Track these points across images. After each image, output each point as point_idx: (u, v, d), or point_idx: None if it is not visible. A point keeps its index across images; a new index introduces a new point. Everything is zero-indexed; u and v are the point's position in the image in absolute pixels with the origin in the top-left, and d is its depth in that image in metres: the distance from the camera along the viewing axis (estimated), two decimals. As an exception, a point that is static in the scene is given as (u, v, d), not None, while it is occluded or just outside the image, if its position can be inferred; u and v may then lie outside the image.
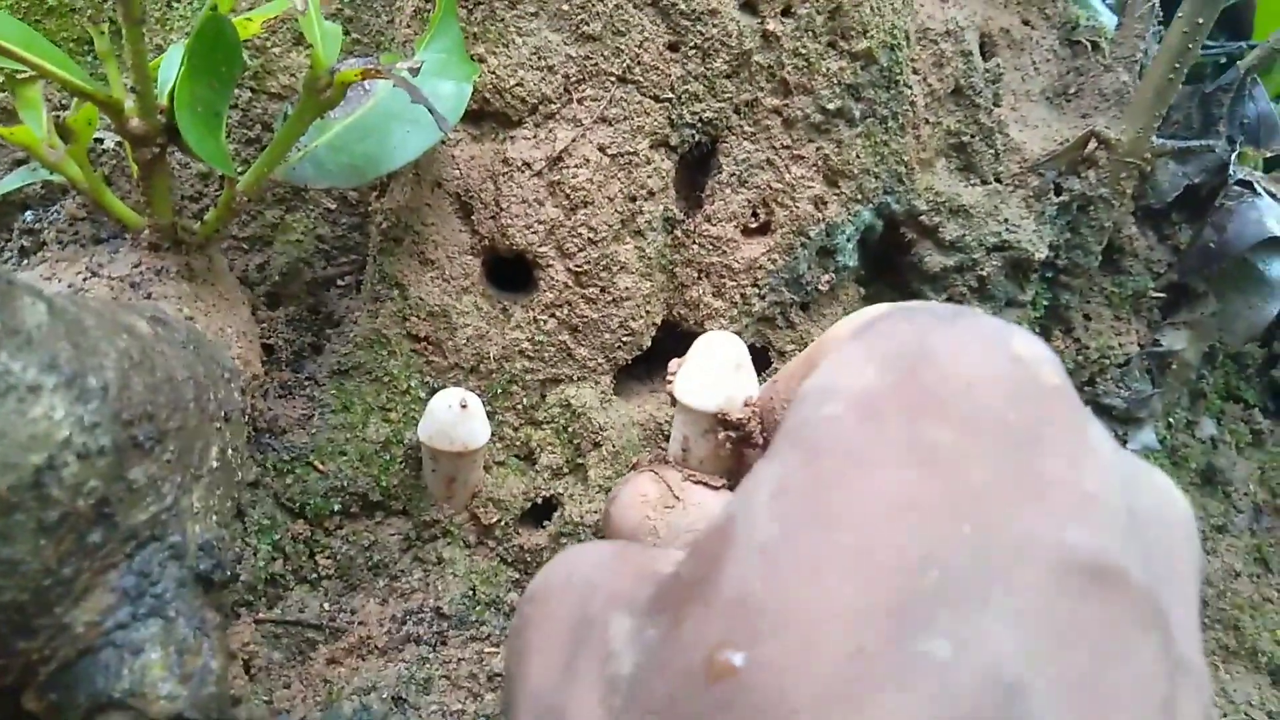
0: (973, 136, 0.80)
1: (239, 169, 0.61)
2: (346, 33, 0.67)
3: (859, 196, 0.72)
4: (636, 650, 0.25)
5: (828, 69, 0.68)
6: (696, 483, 0.45)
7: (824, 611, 0.21)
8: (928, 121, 0.77)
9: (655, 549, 0.31)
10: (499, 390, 0.64)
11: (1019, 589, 0.20)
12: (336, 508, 0.59)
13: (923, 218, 0.77)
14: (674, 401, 0.46)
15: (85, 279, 0.46)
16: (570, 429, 0.65)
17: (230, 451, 0.46)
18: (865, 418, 0.23)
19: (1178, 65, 0.77)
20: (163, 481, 0.39)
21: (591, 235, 0.64)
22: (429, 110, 0.47)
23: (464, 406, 0.56)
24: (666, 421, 0.68)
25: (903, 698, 0.19)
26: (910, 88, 0.73)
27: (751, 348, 0.70)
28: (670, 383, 0.46)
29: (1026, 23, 0.91)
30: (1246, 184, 0.84)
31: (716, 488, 0.45)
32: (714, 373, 0.44)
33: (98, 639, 0.36)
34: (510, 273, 0.65)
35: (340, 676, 0.56)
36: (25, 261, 0.53)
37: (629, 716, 0.24)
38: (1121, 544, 0.21)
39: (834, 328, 0.33)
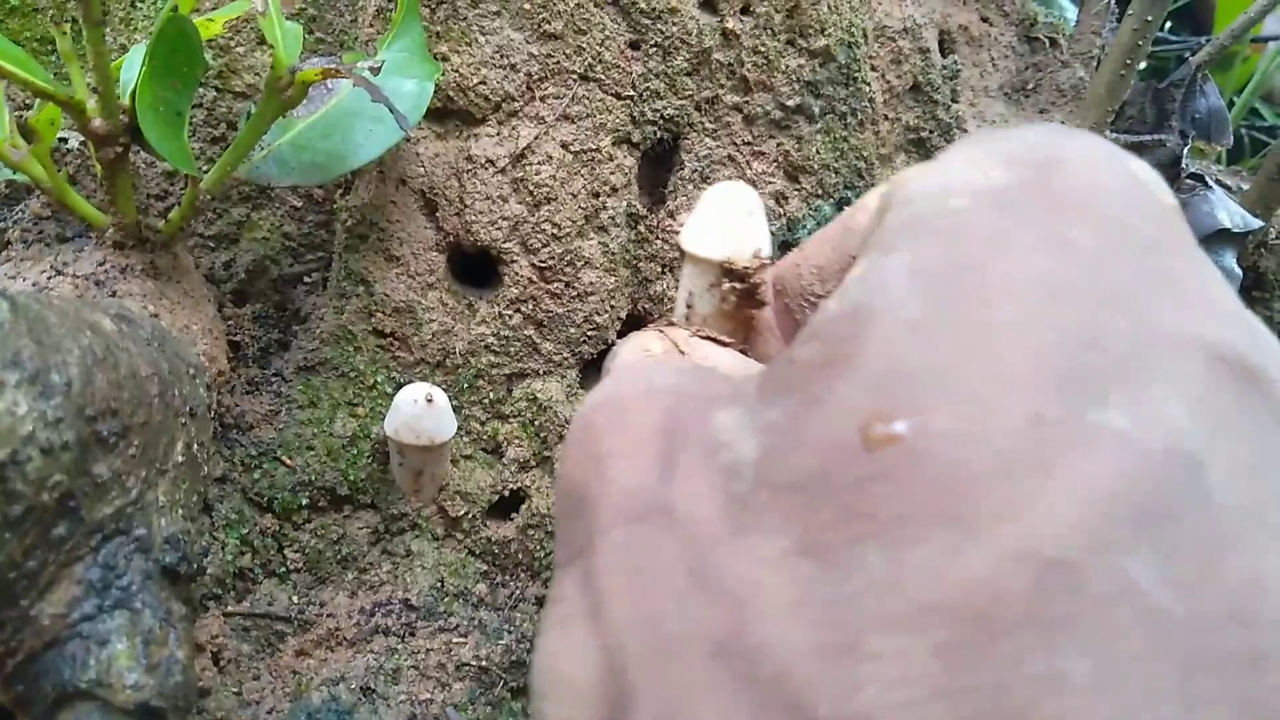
0: (931, 132, 0.81)
1: (204, 168, 0.62)
2: (309, 32, 0.67)
3: (819, 191, 0.73)
4: (758, 435, 0.24)
5: (787, 66, 0.69)
6: (704, 338, 0.42)
7: (995, 379, 0.20)
8: (886, 118, 0.79)
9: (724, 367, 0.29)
10: (465, 385, 0.64)
11: (1180, 376, 0.20)
12: (304, 502, 0.60)
13: (883, 212, 0.78)
14: (681, 254, 0.43)
15: (50, 277, 0.47)
16: (537, 423, 0.66)
17: (196, 447, 0.46)
18: (999, 209, 0.23)
19: (1129, 62, 0.79)
20: (127, 476, 0.39)
21: (555, 231, 0.64)
22: (390, 109, 0.48)
23: (430, 401, 0.57)
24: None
25: (1090, 463, 0.19)
26: (869, 84, 0.75)
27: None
28: (679, 234, 0.43)
29: (985, 20, 0.93)
30: (1198, 177, 0.86)
31: (725, 343, 0.42)
32: (723, 221, 0.42)
33: (64, 631, 0.37)
34: (475, 268, 0.66)
35: (309, 668, 0.56)
36: (-10, 261, 0.53)
37: (763, 495, 0.22)
38: (1256, 347, 0.21)
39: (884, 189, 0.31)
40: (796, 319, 0.39)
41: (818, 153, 0.72)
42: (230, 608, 0.55)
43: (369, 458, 0.62)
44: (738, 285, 0.41)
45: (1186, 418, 0.19)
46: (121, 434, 0.39)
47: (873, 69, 0.76)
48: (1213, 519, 0.18)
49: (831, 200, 0.74)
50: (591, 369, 0.70)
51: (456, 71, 0.63)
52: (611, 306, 0.68)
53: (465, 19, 0.63)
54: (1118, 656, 0.17)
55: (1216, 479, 0.19)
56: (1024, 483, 0.19)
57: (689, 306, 0.44)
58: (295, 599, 0.58)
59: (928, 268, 0.22)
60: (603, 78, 0.65)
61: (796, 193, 0.72)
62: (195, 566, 0.43)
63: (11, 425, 0.33)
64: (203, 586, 0.50)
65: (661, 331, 0.43)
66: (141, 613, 0.39)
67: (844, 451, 0.21)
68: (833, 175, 0.74)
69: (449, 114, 0.64)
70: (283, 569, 0.59)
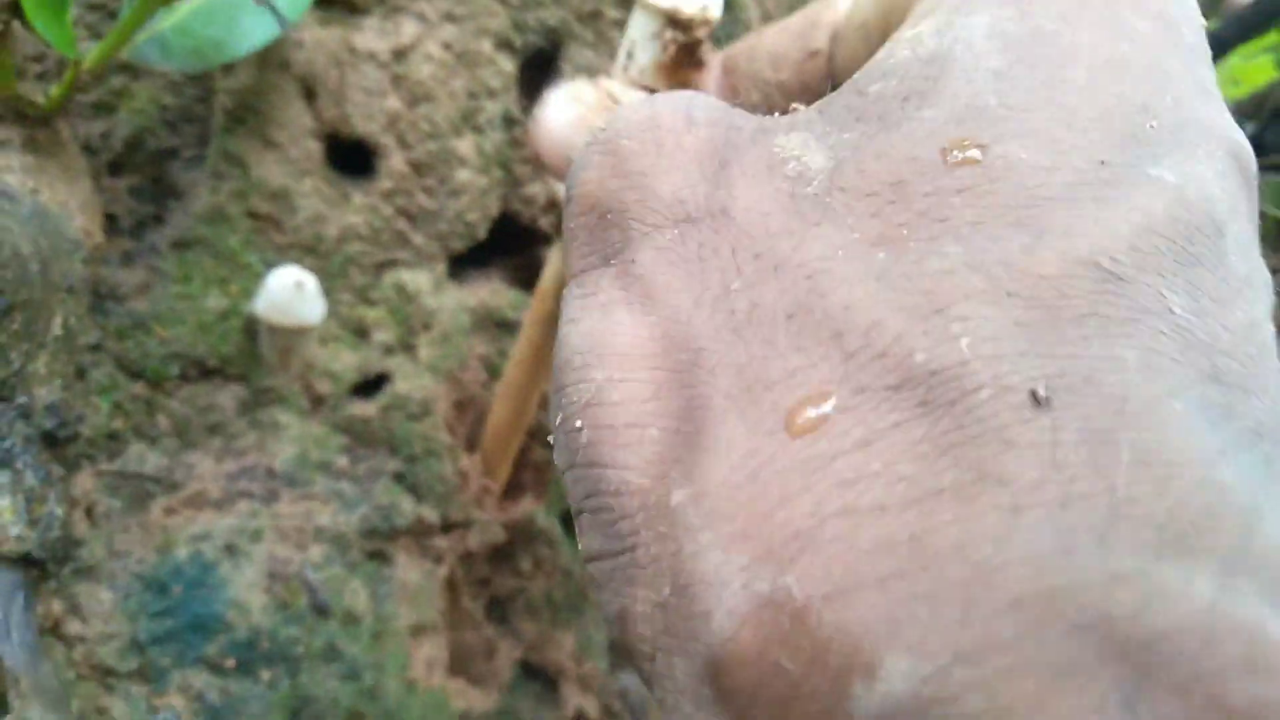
0: (799, 60, 0.86)
1: (85, 37, 0.62)
2: (195, -99, 0.67)
3: (688, 110, 0.78)
4: (830, 151, 0.24)
5: (667, -13, 0.73)
6: (642, 88, 0.43)
7: (1068, 125, 0.22)
8: (758, 44, 0.83)
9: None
10: (335, 270, 0.68)
11: (1212, 156, 0.23)
12: (175, 372, 0.63)
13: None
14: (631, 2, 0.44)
15: (-74, 147, 0.48)
16: (403, 310, 0.70)
17: (73, 319, 0.49)
18: None
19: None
20: (10, 349, 0.43)
21: (432, 129, 0.67)
22: (271, 9, 0.50)
23: (299, 285, 0.61)
24: (498, 308, 0.74)
25: (1144, 200, 0.21)
26: (746, 9, 0.79)
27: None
28: None
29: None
30: None
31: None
32: None
33: (-49, 487, 0.41)
34: (351, 158, 0.69)
35: (176, 525, 0.61)
36: None
37: (836, 197, 0.23)
38: (1252, 159, 0.25)
39: None
40: (741, 98, 0.40)
41: (690, 73, 0.76)
42: (103, 467, 0.58)
43: (239, 333, 0.65)
44: (680, 37, 0.42)
45: (1217, 189, 0.22)
46: (5, 312, 0.42)
47: (749, -4, 0.80)
48: (1226, 275, 0.22)
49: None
50: (461, 262, 0.74)
51: (343, -40, 0.64)
52: (483, 205, 0.71)
53: (355, -91, 0.64)
54: (1158, 353, 0.20)
55: (1229, 247, 0.22)
56: (1088, 207, 0.21)
57: (629, 56, 0.44)
58: (165, 461, 0.62)
59: (1006, 30, 0.24)
60: (488, -17, 0.68)
61: (667, 109, 0.76)
62: (72, 432, 0.47)
63: (-95, 303, 0.36)
64: (77, 447, 0.54)
65: (594, 81, 0.43)
66: (24, 473, 0.43)
67: (924, 166, 0.22)
68: (702, 95, 0.78)
69: (335, 1, 0.66)
70: (153, 433, 0.63)
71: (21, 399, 0.43)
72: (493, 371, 0.75)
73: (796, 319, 0.22)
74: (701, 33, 0.42)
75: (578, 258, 0.27)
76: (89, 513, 0.56)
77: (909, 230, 0.22)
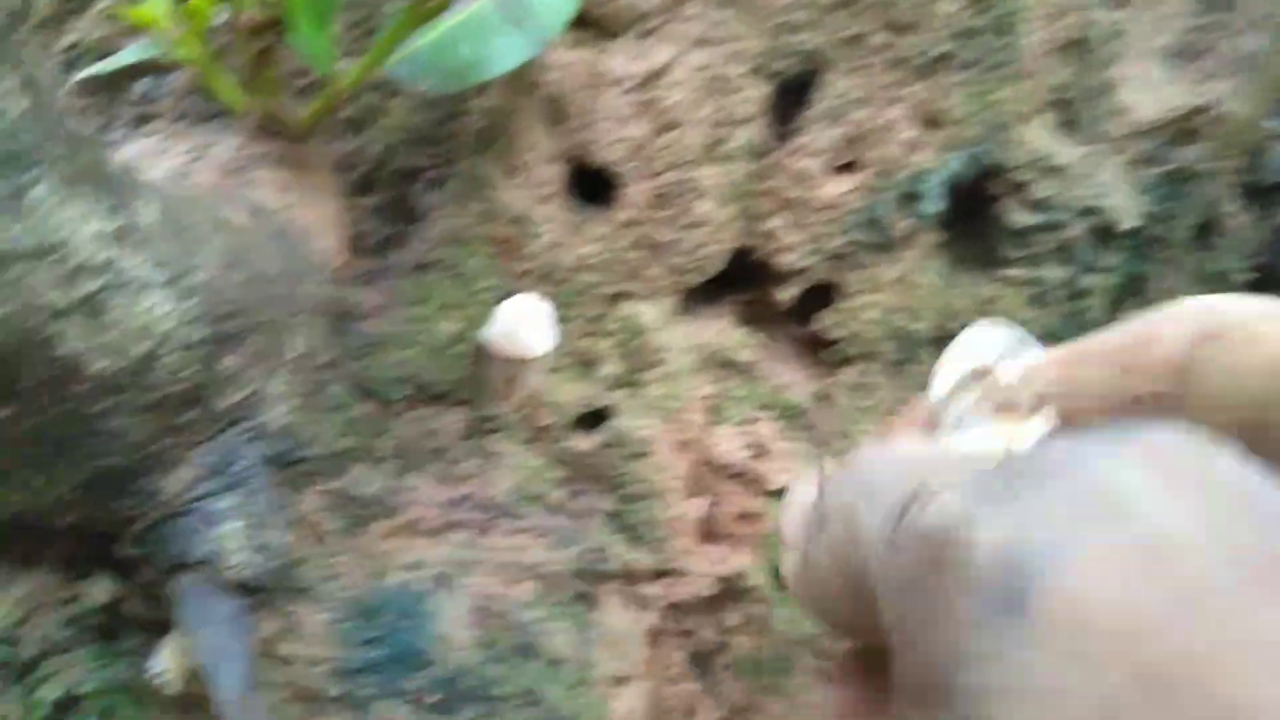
0: (1080, 94, 0.77)
1: (347, 50, 0.63)
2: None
3: (952, 145, 0.71)
4: None
5: (941, 11, 0.67)
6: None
7: None
8: (1034, 74, 0.75)
9: None
10: (568, 299, 0.66)
11: None
12: (403, 394, 0.63)
13: (1014, 173, 0.75)
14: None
15: (192, 160, 0.49)
16: (631, 344, 0.67)
17: (313, 339, 0.49)
18: None
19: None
20: (249, 369, 0.42)
21: (674, 159, 0.64)
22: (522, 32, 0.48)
23: (533, 314, 0.59)
24: (725, 348, 0.70)
25: None
26: (1022, 38, 0.71)
27: (818, 285, 0.71)
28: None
29: (1161, -28, 0.87)
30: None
31: None
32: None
33: (182, 507, 0.40)
34: (591, 185, 0.66)
35: (392, 551, 0.60)
36: (140, 129, 0.56)
37: None
38: None
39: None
40: None
41: (958, 104, 0.70)
42: (329, 485, 0.58)
43: (468, 359, 0.64)
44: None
45: None
46: (248, 331, 0.41)
47: (1028, 21, 0.73)
48: None
49: (962, 155, 0.72)
50: (693, 296, 0.71)
51: (599, -19, 0.62)
52: (721, 239, 0.68)
53: (615, -72, 0.61)
54: None
55: None
56: None
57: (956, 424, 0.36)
58: (386, 484, 0.62)
59: None
60: (745, 4, 0.64)
61: (928, 143, 0.70)
62: (303, 454, 0.46)
63: (153, 323, 0.35)
64: (308, 466, 0.54)
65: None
66: (253, 496, 0.42)
67: None
68: (969, 129, 0.71)
69: (587, 24, 0.64)
70: (377, 454, 0.62)
71: (256, 420, 0.43)
72: (715, 414, 0.70)
73: None
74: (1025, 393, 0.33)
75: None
76: (315, 531, 0.56)
77: None
